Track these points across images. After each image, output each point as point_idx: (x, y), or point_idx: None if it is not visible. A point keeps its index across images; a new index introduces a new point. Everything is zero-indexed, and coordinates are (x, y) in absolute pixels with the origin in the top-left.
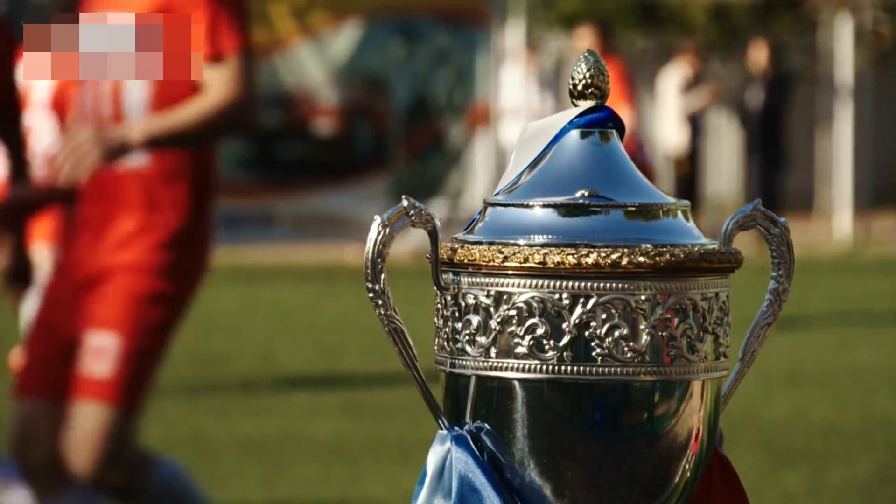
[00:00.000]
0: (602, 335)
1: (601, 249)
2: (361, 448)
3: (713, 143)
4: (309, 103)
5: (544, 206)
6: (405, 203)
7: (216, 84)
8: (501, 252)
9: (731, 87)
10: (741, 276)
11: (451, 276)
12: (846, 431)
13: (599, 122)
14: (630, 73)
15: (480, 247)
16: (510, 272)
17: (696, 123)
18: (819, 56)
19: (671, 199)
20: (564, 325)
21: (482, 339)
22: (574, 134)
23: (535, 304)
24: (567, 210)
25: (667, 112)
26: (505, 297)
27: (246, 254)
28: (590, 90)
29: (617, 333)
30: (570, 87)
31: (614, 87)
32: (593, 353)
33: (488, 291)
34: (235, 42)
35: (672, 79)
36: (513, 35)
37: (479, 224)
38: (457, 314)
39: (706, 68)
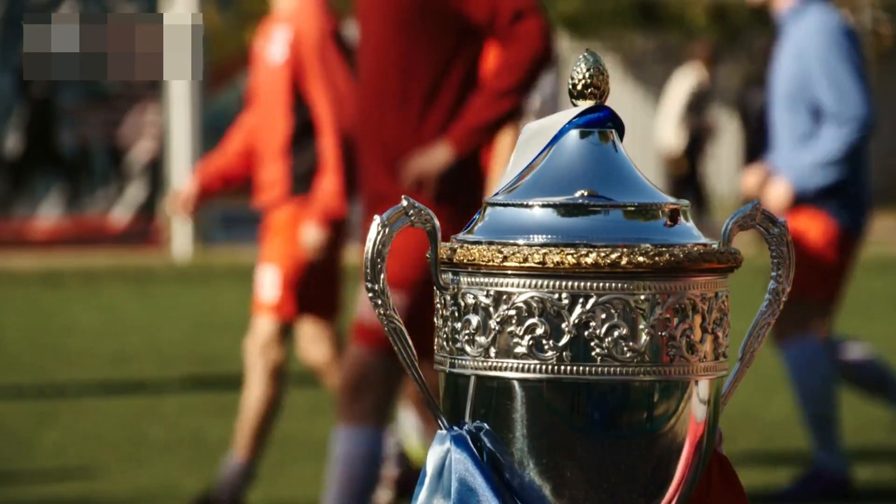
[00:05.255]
0: (601, 335)
1: (600, 249)
2: None
3: (713, 142)
4: None
5: (544, 205)
6: (405, 203)
7: None
8: (501, 252)
9: (731, 87)
10: (741, 276)
11: (450, 275)
12: (846, 431)
13: (599, 121)
14: None
15: (480, 246)
16: (509, 272)
17: (700, 140)
18: None
19: (671, 199)
20: (564, 325)
21: (481, 339)
22: (573, 134)
23: (534, 304)
24: (566, 210)
25: (670, 113)
26: (504, 296)
27: (246, 254)
28: (589, 90)
29: (616, 333)
30: (570, 86)
31: None
32: (593, 353)
33: (488, 291)
34: None
35: (684, 83)
36: None
37: (479, 224)
38: (456, 314)
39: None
